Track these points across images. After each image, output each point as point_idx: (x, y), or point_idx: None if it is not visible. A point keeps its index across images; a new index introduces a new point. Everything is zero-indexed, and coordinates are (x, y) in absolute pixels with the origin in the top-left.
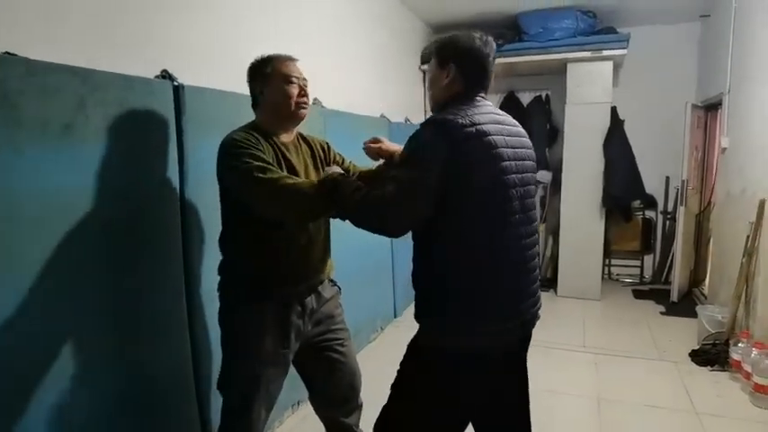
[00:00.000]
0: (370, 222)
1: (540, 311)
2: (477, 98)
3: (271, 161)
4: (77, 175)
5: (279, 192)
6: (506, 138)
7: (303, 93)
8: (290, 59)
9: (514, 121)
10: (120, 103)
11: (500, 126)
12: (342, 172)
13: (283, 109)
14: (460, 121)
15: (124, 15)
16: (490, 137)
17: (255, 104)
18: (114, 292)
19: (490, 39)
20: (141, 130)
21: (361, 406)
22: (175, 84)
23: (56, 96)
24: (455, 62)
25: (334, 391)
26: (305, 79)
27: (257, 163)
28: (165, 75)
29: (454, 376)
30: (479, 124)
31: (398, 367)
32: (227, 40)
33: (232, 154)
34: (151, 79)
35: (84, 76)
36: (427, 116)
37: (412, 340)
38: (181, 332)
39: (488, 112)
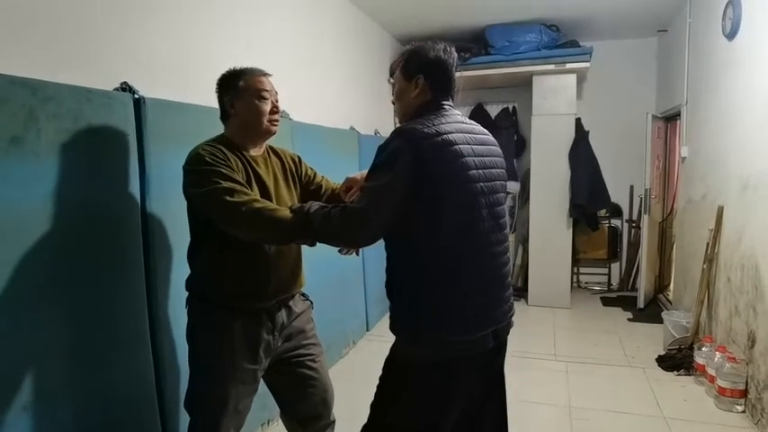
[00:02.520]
0: (342, 238)
1: (512, 318)
2: (445, 107)
3: (240, 178)
4: (29, 191)
5: (246, 217)
6: (473, 146)
7: (275, 109)
8: (263, 74)
9: (483, 129)
10: (76, 117)
11: (467, 135)
12: (319, 204)
13: (254, 125)
14: (426, 130)
15: (81, 26)
16: (456, 146)
17: (224, 117)
18: (70, 311)
19: (452, 49)
20: (100, 144)
21: (334, 423)
22: (136, 96)
23: (3, 108)
24: (423, 73)
25: (306, 408)
26: (276, 93)
27: (225, 184)
28: (126, 87)
29: (431, 387)
30: (445, 133)
31: (377, 383)
32: (192, 52)
33: (198, 171)
34: (110, 92)
35: (34, 87)
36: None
37: (388, 355)
38: (143, 351)
39: (455, 121)
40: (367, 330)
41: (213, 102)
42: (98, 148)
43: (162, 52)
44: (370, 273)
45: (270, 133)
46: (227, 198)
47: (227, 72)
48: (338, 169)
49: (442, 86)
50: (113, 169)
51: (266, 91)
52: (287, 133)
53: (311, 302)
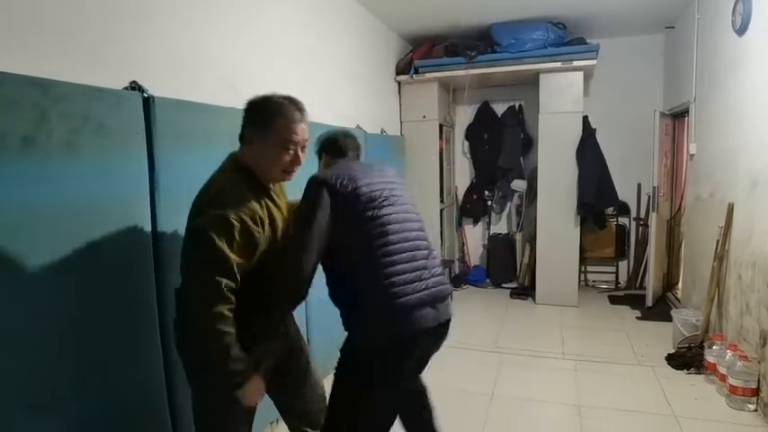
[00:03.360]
0: (294, 288)
1: (446, 289)
2: (339, 161)
3: (242, 234)
4: (40, 190)
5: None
6: (368, 174)
7: (297, 160)
8: (298, 121)
9: (377, 163)
10: (86, 116)
11: (362, 171)
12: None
13: (266, 171)
14: (331, 173)
15: (90, 25)
16: (354, 176)
17: (243, 141)
18: (79, 314)
19: (346, 133)
20: (109, 143)
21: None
22: (145, 95)
23: (13, 108)
24: (324, 151)
25: (300, 404)
26: (305, 140)
27: (215, 281)
28: (135, 86)
29: (384, 365)
30: (345, 173)
31: (335, 372)
32: (201, 52)
33: (202, 235)
34: (119, 91)
35: (45, 86)
36: (402, 127)
37: (342, 348)
38: (153, 356)
39: (350, 166)
40: None
41: (219, 101)
42: (108, 146)
43: (169, 51)
44: None
45: (280, 181)
46: (205, 308)
47: (265, 100)
48: None
49: (336, 155)
50: (123, 168)
51: (294, 143)
52: None
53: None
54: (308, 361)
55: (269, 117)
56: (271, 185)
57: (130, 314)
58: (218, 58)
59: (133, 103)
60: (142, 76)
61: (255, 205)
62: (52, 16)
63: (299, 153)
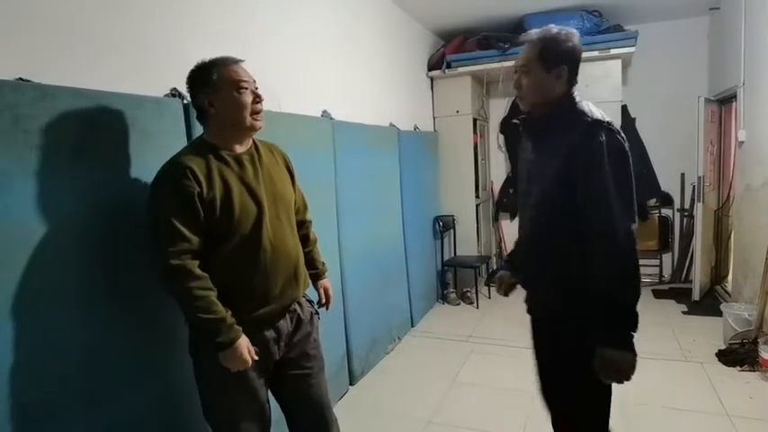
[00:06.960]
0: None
1: None
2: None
3: (192, 208)
4: (89, 199)
5: (175, 291)
6: None
7: (258, 99)
8: (236, 62)
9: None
10: (131, 124)
11: None
12: None
13: (238, 121)
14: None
15: (131, 35)
16: None
17: (202, 117)
18: (130, 313)
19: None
20: (153, 150)
21: (336, 422)
22: (185, 102)
23: (66, 120)
24: (567, 64)
25: (298, 426)
26: (255, 82)
27: (172, 246)
28: (175, 93)
29: None
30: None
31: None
32: (238, 56)
33: (156, 203)
34: (161, 98)
35: (93, 97)
36: (435, 123)
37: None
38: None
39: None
40: (412, 326)
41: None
42: (152, 154)
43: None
44: (413, 269)
45: (254, 130)
46: (173, 264)
47: (196, 67)
48: (380, 166)
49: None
50: None
51: (244, 81)
52: (328, 132)
53: (317, 312)
54: (319, 382)
55: (209, 73)
56: (241, 152)
57: (179, 313)
58: (255, 63)
59: (174, 110)
60: (181, 83)
61: (211, 178)
62: (95, 31)
63: (257, 92)
